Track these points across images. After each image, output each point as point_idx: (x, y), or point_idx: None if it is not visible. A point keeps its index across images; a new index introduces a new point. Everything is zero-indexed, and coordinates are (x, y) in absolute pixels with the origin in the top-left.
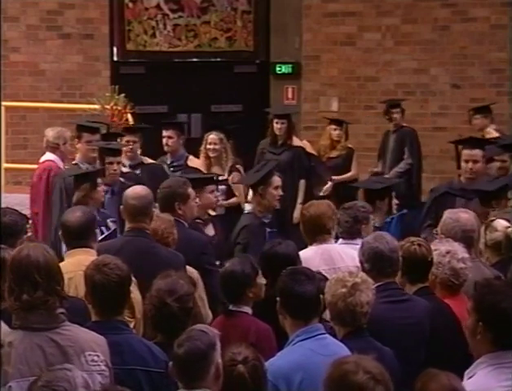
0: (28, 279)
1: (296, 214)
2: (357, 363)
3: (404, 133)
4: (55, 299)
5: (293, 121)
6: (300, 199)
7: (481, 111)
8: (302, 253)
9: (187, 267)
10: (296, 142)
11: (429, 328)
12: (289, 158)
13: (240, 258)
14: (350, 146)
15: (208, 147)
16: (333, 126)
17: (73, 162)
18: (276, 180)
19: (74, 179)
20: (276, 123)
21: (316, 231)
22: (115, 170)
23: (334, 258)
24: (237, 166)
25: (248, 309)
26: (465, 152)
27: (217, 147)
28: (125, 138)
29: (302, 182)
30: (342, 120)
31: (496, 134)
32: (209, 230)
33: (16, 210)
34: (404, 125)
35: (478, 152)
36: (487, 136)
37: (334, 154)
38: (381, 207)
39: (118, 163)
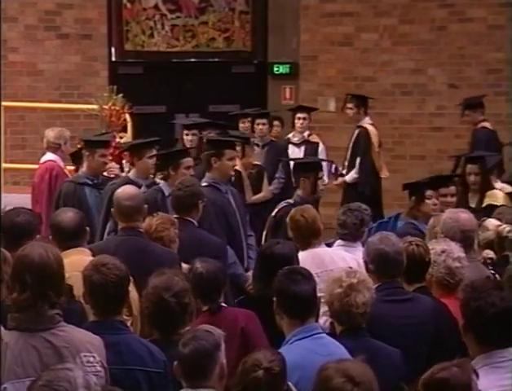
0: (19, 279)
1: None
2: (337, 368)
3: (279, 148)
4: (43, 303)
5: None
6: None
7: (470, 106)
8: None
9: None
10: None
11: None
12: (201, 173)
13: (205, 258)
14: (257, 163)
15: None
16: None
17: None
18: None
19: None
20: (187, 135)
21: (313, 236)
22: None
23: (326, 261)
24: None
25: (223, 303)
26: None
27: None
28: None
29: None
30: (244, 138)
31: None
32: None
33: (30, 209)
34: (273, 139)
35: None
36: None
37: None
38: None
39: None
